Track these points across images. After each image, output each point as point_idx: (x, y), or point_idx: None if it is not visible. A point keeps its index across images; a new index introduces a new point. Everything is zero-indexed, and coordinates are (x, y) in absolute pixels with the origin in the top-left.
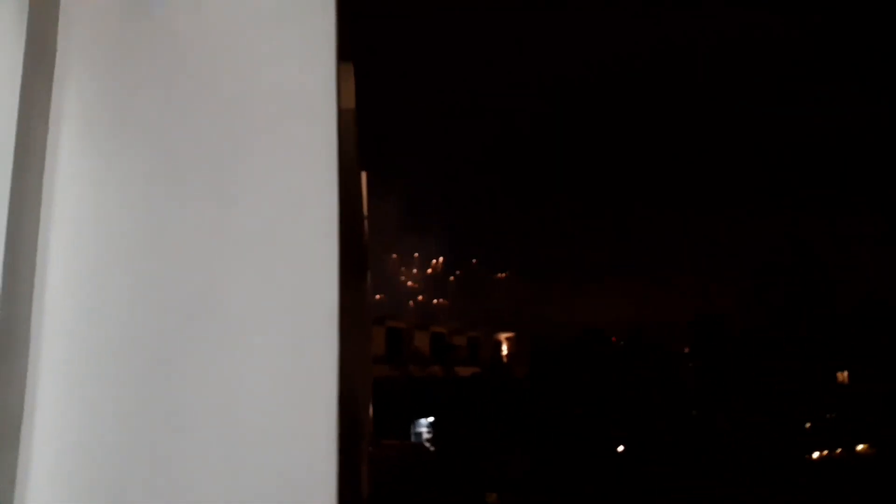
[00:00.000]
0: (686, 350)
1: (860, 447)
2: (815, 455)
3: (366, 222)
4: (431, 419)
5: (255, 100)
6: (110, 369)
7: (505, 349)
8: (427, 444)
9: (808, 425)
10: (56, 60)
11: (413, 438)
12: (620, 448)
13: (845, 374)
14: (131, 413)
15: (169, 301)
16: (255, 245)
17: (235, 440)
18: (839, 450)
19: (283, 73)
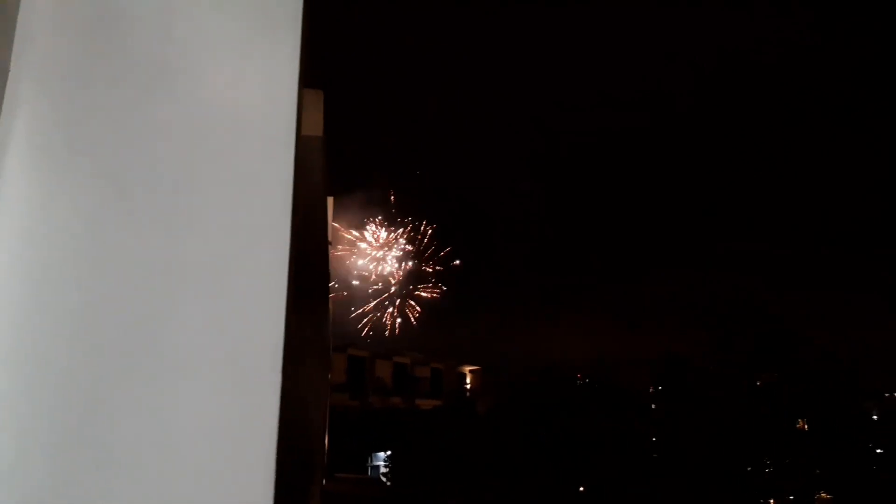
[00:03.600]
0: (651, 390)
1: (820, 495)
2: (774, 501)
3: (330, 248)
4: (389, 452)
5: (212, 127)
6: (43, 400)
7: (469, 383)
8: (384, 479)
9: (767, 470)
10: (7, 81)
11: (370, 472)
12: (581, 488)
13: (804, 422)
14: (61, 447)
15: (108, 332)
16: (202, 277)
17: (169, 479)
18: (793, 497)
19: (242, 100)
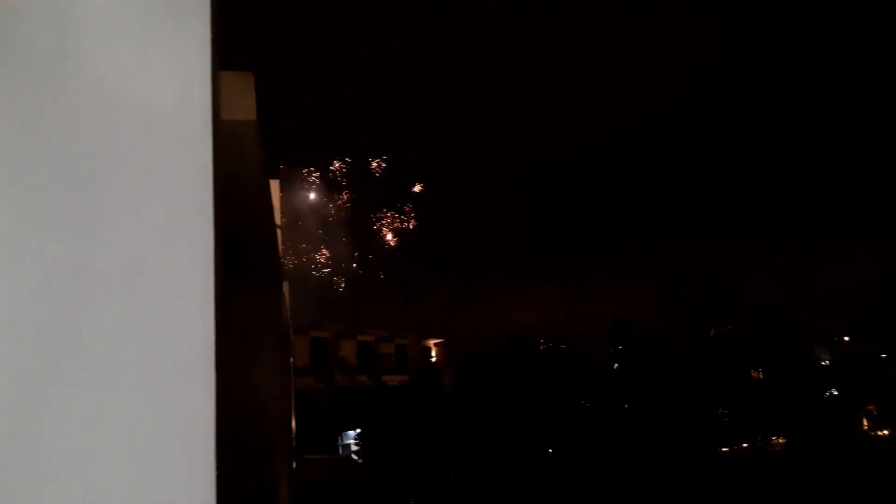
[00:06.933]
0: (610, 351)
1: (775, 439)
2: (728, 448)
3: (279, 231)
4: (359, 430)
5: (119, 120)
6: None
7: (434, 356)
8: (355, 457)
9: (721, 411)
10: None
11: (341, 451)
12: (550, 450)
13: (759, 373)
14: None
15: (26, 342)
16: (121, 278)
17: (104, 486)
18: (746, 444)
19: (151, 90)
